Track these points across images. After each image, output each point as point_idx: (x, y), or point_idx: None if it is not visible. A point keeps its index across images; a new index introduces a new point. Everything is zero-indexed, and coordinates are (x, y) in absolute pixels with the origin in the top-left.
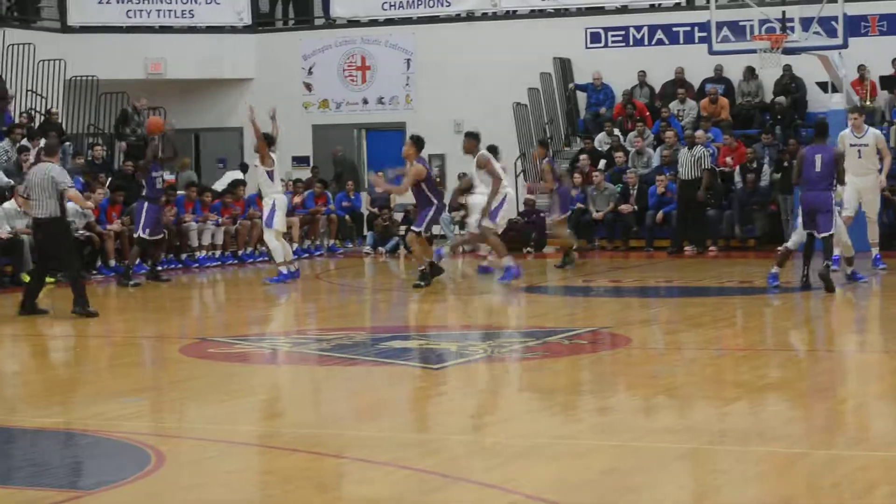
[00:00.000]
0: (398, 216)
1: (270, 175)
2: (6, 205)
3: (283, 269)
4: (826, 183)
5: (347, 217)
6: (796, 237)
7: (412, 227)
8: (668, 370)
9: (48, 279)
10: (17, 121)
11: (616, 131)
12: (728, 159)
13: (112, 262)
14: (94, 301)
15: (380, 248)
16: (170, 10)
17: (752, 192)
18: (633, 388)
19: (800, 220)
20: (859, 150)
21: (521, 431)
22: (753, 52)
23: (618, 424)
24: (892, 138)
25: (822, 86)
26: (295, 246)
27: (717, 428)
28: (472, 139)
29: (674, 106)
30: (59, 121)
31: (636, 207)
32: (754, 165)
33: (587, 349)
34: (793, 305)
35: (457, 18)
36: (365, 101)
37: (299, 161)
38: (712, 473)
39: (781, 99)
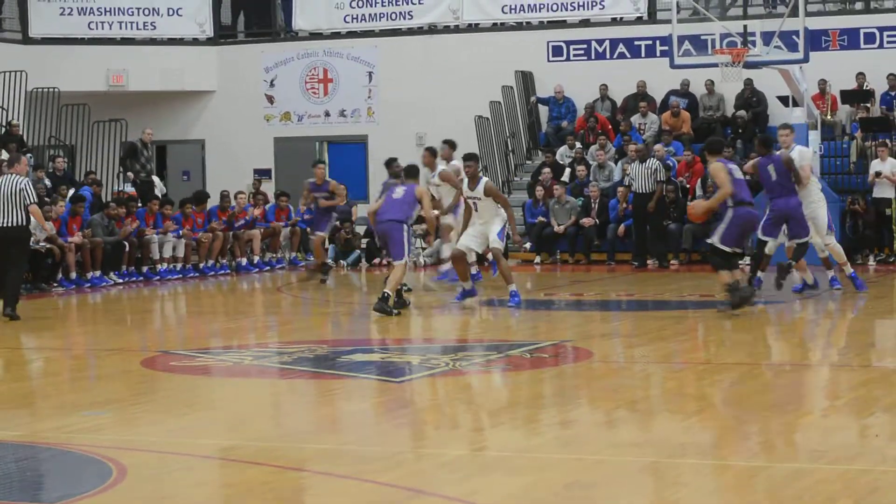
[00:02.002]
0: (360, 229)
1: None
2: None
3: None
4: (787, 188)
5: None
6: (772, 243)
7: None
8: (629, 383)
9: None
10: None
11: (578, 144)
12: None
13: (73, 275)
14: (54, 313)
15: (341, 262)
16: (132, 22)
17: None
18: (595, 401)
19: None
20: None
21: (483, 445)
22: (715, 66)
23: (580, 438)
24: (854, 153)
25: (784, 100)
26: (256, 259)
27: (678, 441)
28: (431, 154)
29: (635, 119)
30: (20, 132)
31: (598, 221)
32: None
33: (549, 362)
34: (753, 319)
35: (419, 31)
36: (327, 114)
37: (261, 174)
38: (673, 486)
39: (742, 113)
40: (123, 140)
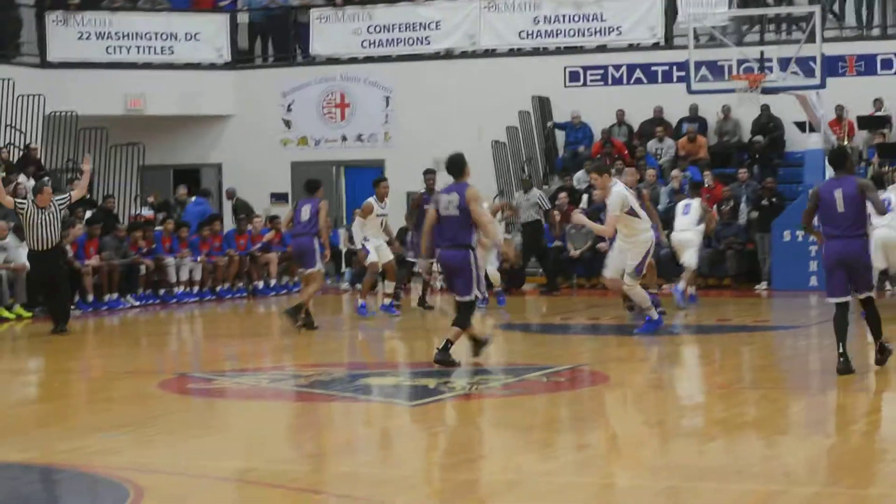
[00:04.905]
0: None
1: None
2: None
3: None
4: (857, 227)
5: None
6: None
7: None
8: (646, 408)
9: (25, 314)
10: None
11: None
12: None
13: (90, 297)
14: (71, 335)
15: (357, 285)
16: (149, 47)
17: (726, 229)
18: (612, 425)
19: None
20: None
21: (498, 468)
22: (732, 91)
23: (596, 461)
24: (869, 177)
25: (801, 125)
26: (273, 282)
27: (696, 465)
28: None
29: (652, 145)
30: (38, 156)
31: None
32: (731, 205)
33: (565, 386)
34: (770, 343)
35: (436, 56)
36: (344, 138)
37: (278, 198)
38: None
39: (759, 138)
40: (141, 164)
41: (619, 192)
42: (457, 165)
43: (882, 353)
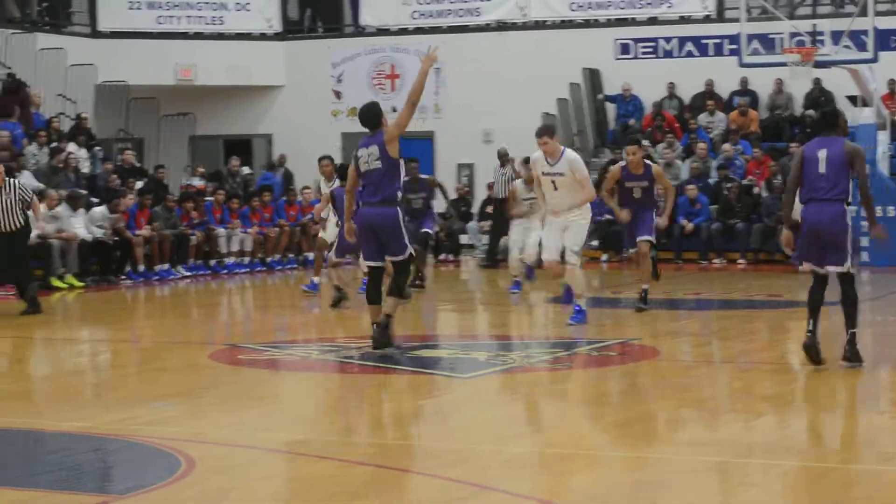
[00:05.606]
0: None
1: None
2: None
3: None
4: (836, 192)
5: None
6: None
7: (645, 237)
8: (696, 383)
9: (77, 283)
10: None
11: (645, 142)
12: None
13: (140, 268)
14: (122, 305)
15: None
16: (200, 17)
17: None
18: (662, 400)
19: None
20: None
21: (549, 442)
22: (783, 65)
23: (646, 436)
24: None
25: (852, 99)
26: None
27: (746, 441)
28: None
29: (703, 118)
30: (89, 126)
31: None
32: (781, 179)
33: (616, 360)
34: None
35: (486, 28)
36: (394, 109)
37: None
38: (740, 486)
39: (811, 112)
40: (192, 134)
41: (575, 155)
42: (372, 117)
43: (851, 346)
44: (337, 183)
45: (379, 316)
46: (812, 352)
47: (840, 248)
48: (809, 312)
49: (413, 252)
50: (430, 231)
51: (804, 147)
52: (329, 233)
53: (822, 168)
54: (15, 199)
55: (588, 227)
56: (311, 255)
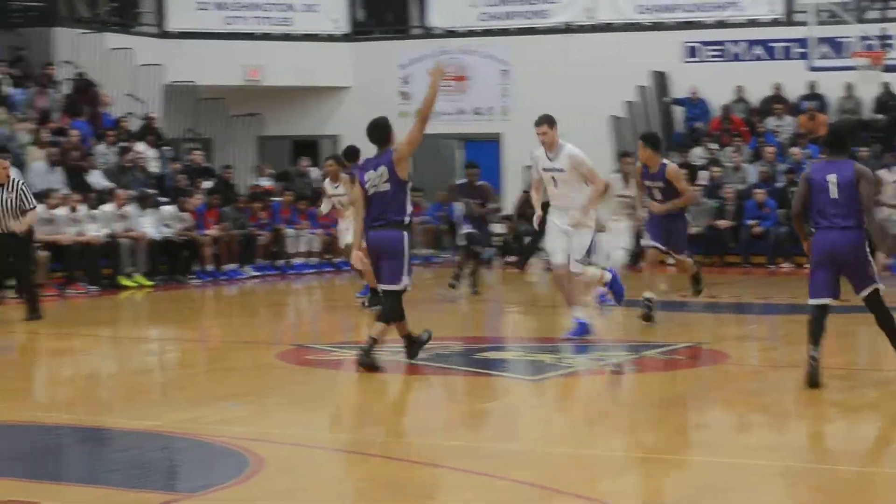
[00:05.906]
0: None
1: None
2: (105, 207)
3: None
4: (852, 217)
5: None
6: None
7: (651, 243)
8: (764, 387)
9: (146, 282)
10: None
11: (713, 146)
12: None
13: (209, 267)
14: (190, 304)
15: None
16: (268, 18)
17: None
18: (729, 404)
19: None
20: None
21: (616, 445)
22: (852, 68)
23: (713, 440)
24: None
25: None
26: None
27: (814, 446)
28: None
29: (770, 122)
30: (157, 125)
31: (734, 223)
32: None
33: (683, 364)
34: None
35: (553, 30)
36: (461, 112)
37: None
38: (808, 492)
39: (880, 117)
40: (259, 134)
41: (576, 149)
42: (381, 133)
43: None
44: (341, 188)
45: (406, 329)
46: (815, 380)
47: (863, 271)
48: (812, 340)
49: (407, 287)
50: (474, 233)
51: (810, 170)
52: (346, 235)
53: (833, 193)
54: (15, 200)
55: (593, 233)
56: None
